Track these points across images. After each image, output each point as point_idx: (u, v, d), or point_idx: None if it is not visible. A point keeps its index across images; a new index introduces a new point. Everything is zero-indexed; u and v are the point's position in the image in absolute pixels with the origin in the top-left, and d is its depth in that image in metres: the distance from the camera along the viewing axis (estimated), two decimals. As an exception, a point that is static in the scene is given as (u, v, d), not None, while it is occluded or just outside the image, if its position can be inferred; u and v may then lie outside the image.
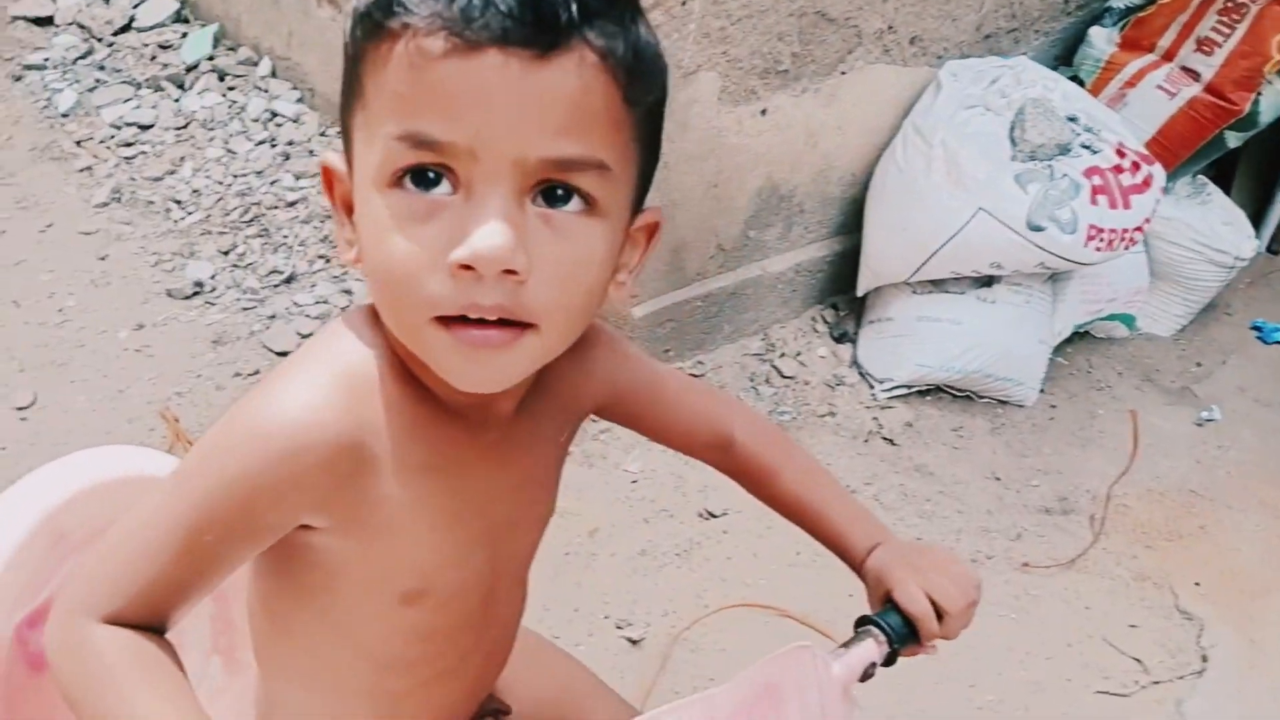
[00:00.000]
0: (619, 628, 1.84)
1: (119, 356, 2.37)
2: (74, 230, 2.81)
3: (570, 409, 0.87)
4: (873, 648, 0.83)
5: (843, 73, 2.38)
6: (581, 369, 0.86)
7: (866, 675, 0.83)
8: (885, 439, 2.34)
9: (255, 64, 3.54)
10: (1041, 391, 2.54)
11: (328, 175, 0.75)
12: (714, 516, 2.08)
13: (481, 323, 0.66)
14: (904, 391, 2.45)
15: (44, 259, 2.69)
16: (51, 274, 2.64)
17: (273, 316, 2.51)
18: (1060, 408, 2.54)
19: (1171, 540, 2.23)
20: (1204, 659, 1.97)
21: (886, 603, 0.87)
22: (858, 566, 0.91)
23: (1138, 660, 1.95)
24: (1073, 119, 2.40)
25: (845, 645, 0.84)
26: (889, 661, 0.85)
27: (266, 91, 3.42)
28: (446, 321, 0.66)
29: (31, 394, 2.23)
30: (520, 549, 0.88)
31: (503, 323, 0.66)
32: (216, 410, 2.22)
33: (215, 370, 2.35)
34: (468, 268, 0.64)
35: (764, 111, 2.28)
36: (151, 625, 0.71)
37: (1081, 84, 2.70)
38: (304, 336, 2.44)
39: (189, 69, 3.55)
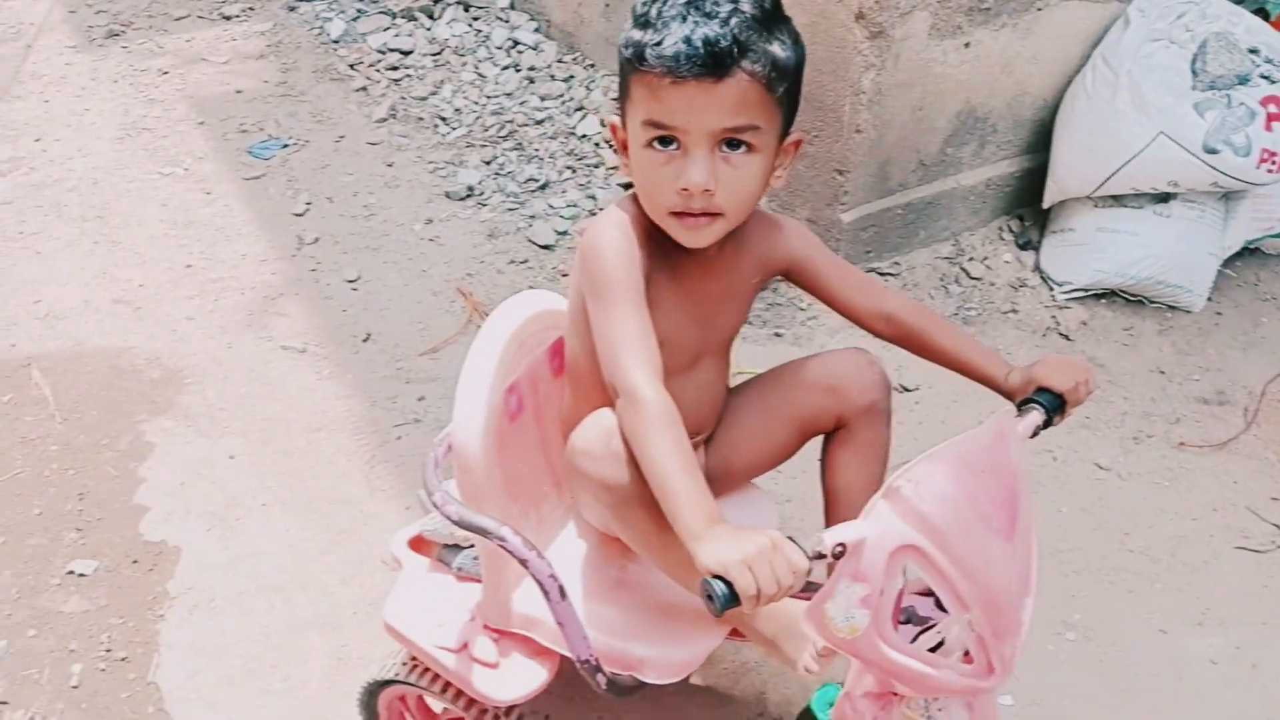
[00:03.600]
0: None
1: (417, 244, 2.91)
2: (362, 141, 3.38)
3: (762, 262, 1.40)
4: (1037, 416, 1.27)
5: (1039, 9, 2.65)
6: (771, 238, 1.40)
7: (1035, 434, 1.26)
8: (1061, 334, 2.67)
9: (495, -3, 4.00)
10: (1209, 300, 2.78)
11: (613, 128, 1.31)
12: (907, 390, 2.47)
13: (692, 215, 1.23)
14: (1081, 294, 2.76)
15: (343, 164, 3.26)
16: (351, 176, 3.21)
17: (533, 216, 3.00)
18: (1225, 315, 2.79)
19: (1321, 433, 2.48)
20: None
21: (1036, 392, 1.29)
22: (1001, 386, 1.35)
23: (1277, 525, 2.22)
24: (1254, 50, 2.61)
25: (1020, 415, 1.26)
26: (1047, 424, 1.27)
27: (507, 22, 3.90)
28: (677, 214, 1.24)
29: (356, 271, 2.80)
30: (719, 333, 1.43)
31: (704, 214, 1.23)
32: (501, 289, 2.73)
33: (494, 258, 2.86)
34: (686, 190, 1.20)
35: (967, 45, 2.60)
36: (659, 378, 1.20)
37: (1266, 16, 2.87)
38: (560, 233, 2.92)
39: (436, 1, 4.05)
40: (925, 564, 1.05)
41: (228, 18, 4.10)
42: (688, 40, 1.14)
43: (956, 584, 1.06)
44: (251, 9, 4.15)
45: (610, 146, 3.17)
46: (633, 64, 1.19)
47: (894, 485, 1.06)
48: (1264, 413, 2.49)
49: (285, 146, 3.32)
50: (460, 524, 1.31)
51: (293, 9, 4.15)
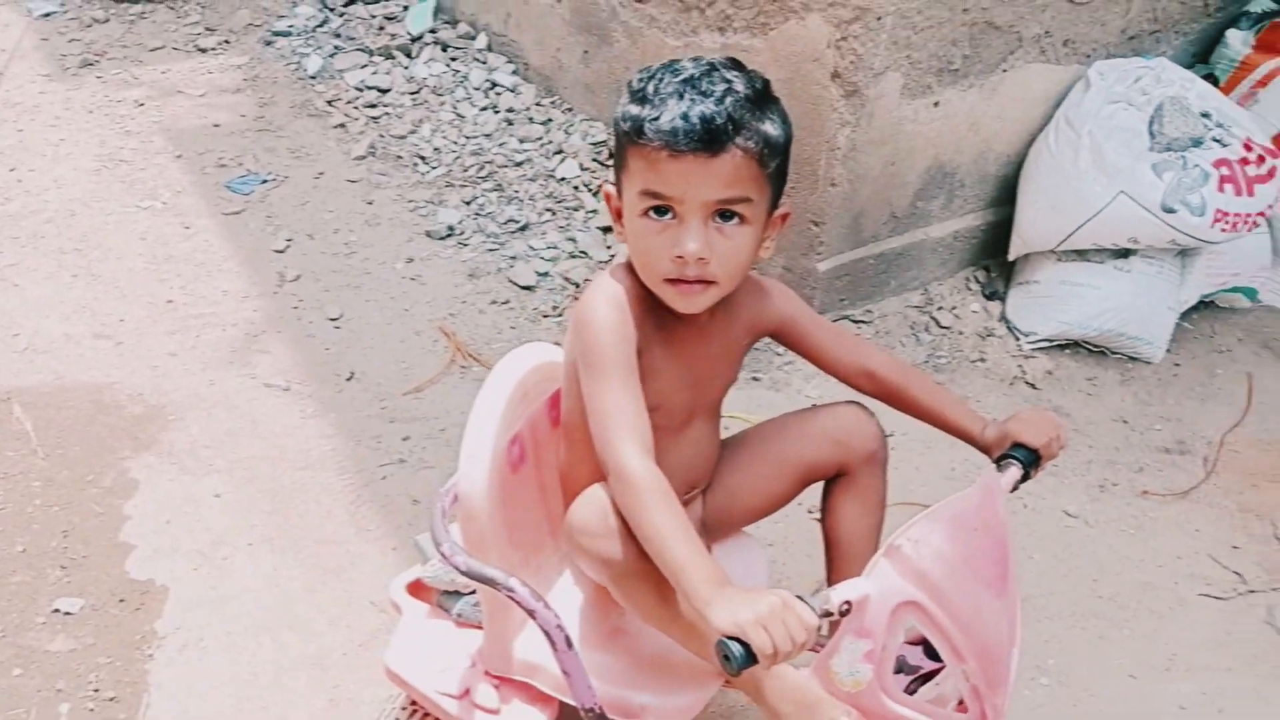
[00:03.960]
0: (809, 512, 2.33)
1: (399, 283, 2.95)
2: (341, 178, 3.41)
3: (751, 325, 1.47)
4: (1016, 471, 1.35)
5: (1004, 71, 2.77)
6: (760, 302, 1.47)
7: (1014, 488, 1.34)
8: (1028, 383, 2.77)
9: (473, 38, 4.07)
10: (1168, 351, 2.90)
11: (608, 195, 1.36)
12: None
13: (687, 282, 1.28)
14: (1046, 344, 2.86)
15: (323, 201, 3.29)
16: (331, 213, 3.23)
17: (514, 257, 3.05)
18: (1183, 366, 2.91)
19: (1275, 482, 2.57)
20: None
21: (1012, 448, 1.37)
22: (977, 440, 1.44)
23: (1237, 574, 2.30)
24: (1206, 115, 2.74)
25: (1000, 471, 1.33)
26: (1024, 478, 1.35)
27: (485, 64, 3.96)
28: (672, 281, 1.29)
29: (339, 309, 2.82)
30: (710, 393, 1.49)
31: (699, 281, 1.28)
32: (483, 330, 2.77)
33: (475, 298, 2.90)
34: (682, 259, 1.26)
35: (936, 104, 2.70)
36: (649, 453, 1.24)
37: (1215, 82, 3.02)
38: (541, 274, 2.97)
39: (414, 39, 4.11)
40: (924, 619, 1.11)
41: (203, 50, 4.12)
42: (685, 117, 1.21)
43: (953, 637, 1.12)
44: (227, 42, 4.16)
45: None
46: (631, 137, 1.26)
47: (895, 544, 1.12)
48: (1223, 462, 2.60)
49: (264, 182, 3.34)
50: (469, 574, 1.35)
51: (269, 44, 4.18)
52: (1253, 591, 2.27)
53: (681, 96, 1.23)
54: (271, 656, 1.93)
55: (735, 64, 1.28)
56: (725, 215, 1.26)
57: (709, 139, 1.21)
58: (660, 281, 1.30)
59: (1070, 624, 2.12)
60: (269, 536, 2.17)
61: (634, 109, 1.26)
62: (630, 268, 1.36)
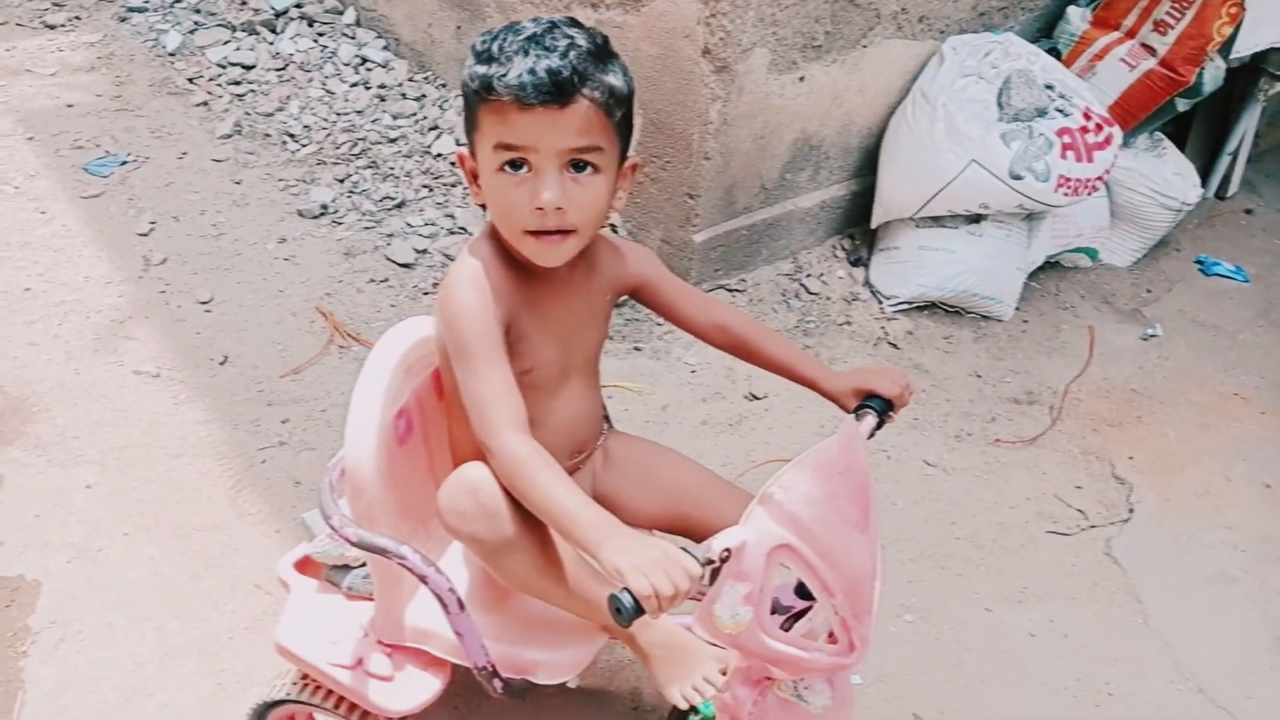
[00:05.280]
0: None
1: (271, 264, 2.90)
2: (206, 158, 3.32)
3: (611, 282, 1.52)
4: (872, 419, 1.43)
5: (864, 47, 2.89)
6: (618, 261, 1.52)
7: (872, 435, 1.43)
8: (890, 344, 2.92)
9: (340, 13, 4.00)
10: (1017, 309, 3.10)
11: (461, 158, 1.39)
12: (757, 398, 2.65)
13: (547, 233, 1.32)
14: (906, 306, 3.01)
15: (188, 182, 3.20)
16: (197, 194, 3.15)
17: (391, 235, 3.03)
18: (1031, 323, 3.10)
19: (1113, 426, 2.80)
20: (1130, 511, 2.52)
21: (865, 398, 1.46)
22: (821, 386, 1.53)
23: (1080, 511, 2.50)
24: (1049, 87, 2.92)
25: (859, 419, 1.42)
26: (880, 425, 1.44)
27: (354, 39, 3.89)
28: (533, 234, 1.32)
29: (209, 292, 2.76)
30: (581, 351, 1.52)
31: (558, 232, 1.32)
32: (362, 309, 2.76)
33: (352, 277, 2.88)
34: (541, 209, 1.29)
35: (802, 79, 2.80)
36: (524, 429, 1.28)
37: (1058, 55, 3.22)
38: (420, 252, 2.97)
39: (278, 14, 4.00)
40: (796, 559, 1.20)
41: (51, 27, 3.93)
42: (532, 71, 1.25)
43: (823, 574, 1.20)
44: (78, 19, 3.98)
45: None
46: (481, 95, 1.28)
47: (767, 492, 1.20)
48: (1066, 410, 2.80)
49: (124, 163, 3.22)
50: (361, 545, 1.37)
51: (124, 20, 4.01)
52: (1094, 526, 2.46)
53: (526, 53, 1.26)
54: (155, 645, 1.91)
55: (574, 22, 1.33)
56: (578, 166, 1.31)
57: (557, 91, 1.25)
58: (521, 234, 1.33)
59: (931, 564, 2.27)
60: (146, 526, 2.13)
61: (481, 69, 1.28)
62: (490, 235, 1.40)
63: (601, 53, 1.31)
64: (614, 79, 1.31)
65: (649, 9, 2.68)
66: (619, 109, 1.32)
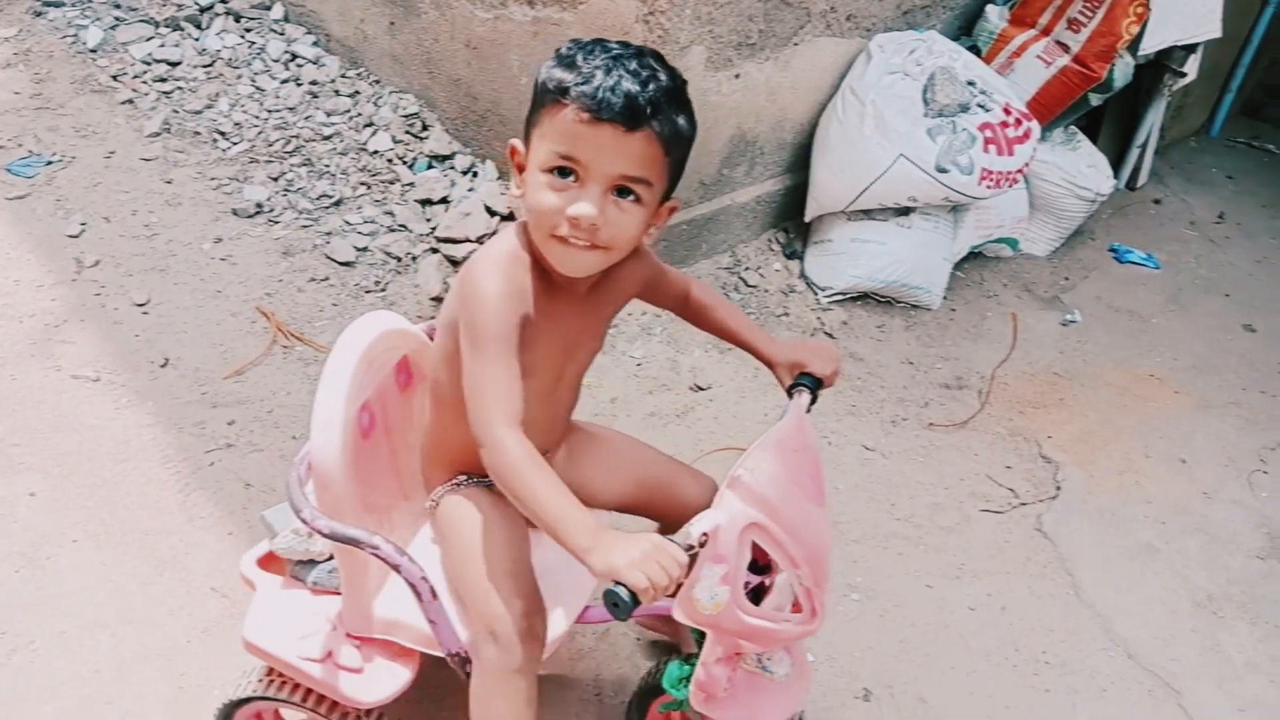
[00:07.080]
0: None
1: (208, 264, 2.86)
2: (135, 156, 3.25)
3: (620, 292, 1.55)
4: (807, 396, 1.50)
5: (795, 44, 2.97)
6: (630, 271, 1.53)
7: (807, 410, 1.49)
8: (826, 333, 3.00)
9: (268, 8, 3.94)
10: (944, 298, 3.22)
11: (513, 149, 1.40)
12: (702, 389, 2.70)
13: (577, 243, 1.32)
14: (840, 297, 3.11)
15: (117, 181, 3.13)
16: (127, 194, 3.08)
17: (329, 233, 3.01)
18: (958, 311, 3.23)
19: (1038, 408, 2.94)
20: (1057, 489, 2.65)
21: (800, 375, 1.54)
22: (761, 352, 1.60)
23: (1011, 490, 2.62)
24: (971, 83, 3.04)
25: (796, 396, 1.49)
26: (813, 401, 1.51)
27: (283, 35, 3.83)
28: (561, 239, 1.32)
29: (145, 294, 2.72)
30: (578, 362, 1.56)
31: (588, 245, 1.33)
32: (303, 308, 2.74)
33: (292, 276, 2.85)
34: (575, 220, 1.31)
35: (737, 76, 2.87)
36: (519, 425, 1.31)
37: (978, 53, 3.34)
38: (361, 250, 2.96)
39: (203, 9, 3.92)
40: (765, 536, 1.25)
41: (-38, 23, 3.79)
42: (613, 89, 1.26)
43: (788, 547, 1.26)
44: (-10, 14, 3.85)
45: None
46: (554, 96, 1.30)
47: (735, 475, 1.25)
48: (994, 394, 2.92)
49: (49, 163, 3.14)
50: (333, 537, 1.39)
51: (39, 14, 3.89)
52: (1024, 504, 2.59)
53: (610, 71, 1.28)
54: (111, 652, 1.89)
55: (659, 56, 1.35)
56: (623, 191, 1.31)
57: (628, 114, 1.26)
58: (548, 237, 1.34)
59: (874, 545, 2.35)
60: (94, 532, 2.10)
61: (560, 73, 1.30)
62: (523, 231, 1.40)
63: (678, 93, 1.33)
64: (682, 120, 1.33)
65: (587, 7, 2.72)
66: (677, 150, 1.34)
